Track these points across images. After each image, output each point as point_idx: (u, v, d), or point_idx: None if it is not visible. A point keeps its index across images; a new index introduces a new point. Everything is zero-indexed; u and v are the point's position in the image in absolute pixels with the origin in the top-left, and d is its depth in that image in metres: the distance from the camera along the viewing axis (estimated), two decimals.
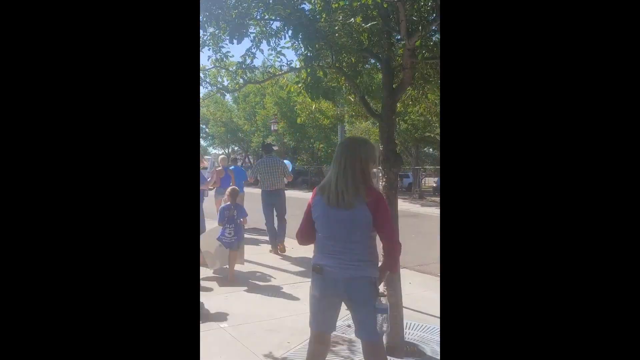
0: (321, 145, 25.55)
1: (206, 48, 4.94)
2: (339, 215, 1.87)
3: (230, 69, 5.23)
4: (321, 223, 1.93)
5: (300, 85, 3.11)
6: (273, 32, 4.66)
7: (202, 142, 34.23)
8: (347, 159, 1.89)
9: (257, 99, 26.58)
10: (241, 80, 4.83)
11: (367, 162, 1.91)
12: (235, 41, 3.74)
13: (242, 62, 4.93)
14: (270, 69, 5.16)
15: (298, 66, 3.95)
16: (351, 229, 1.87)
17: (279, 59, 5.59)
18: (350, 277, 1.86)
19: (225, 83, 5.23)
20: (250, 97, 26.93)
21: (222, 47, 4.67)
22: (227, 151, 32.82)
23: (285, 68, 5.78)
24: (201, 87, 5.26)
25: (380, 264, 1.96)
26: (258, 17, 4.55)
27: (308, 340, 2.10)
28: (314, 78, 2.95)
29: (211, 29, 3.87)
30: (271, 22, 4.77)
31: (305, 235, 2.03)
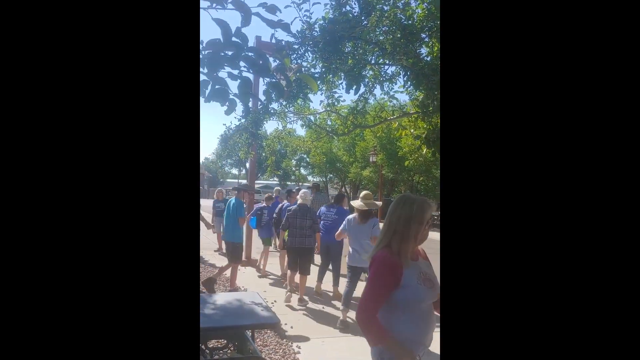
0: (421, 179, 24.79)
1: (319, 92, 5.04)
2: None
3: (341, 112, 5.28)
4: None
5: (420, 140, 2.89)
6: (387, 77, 4.59)
7: (302, 170, 35.43)
8: (386, 217, 1.83)
9: (358, 130, 26.85)
10: (351, 125, 4.83)
11: (406, 221, 1.75)
12: (352, 91, 3.74)
13: (354, 107, 4.94)
14: (381, 114, 5.10)
15: (410, 110, 3.77)
16: None
17: (391, 103, 5.50)
18: None
19: (335, 126, 5.29)
20: (350, 126, 27.28)
21: (335, 92, 4.72)
22: (325, 179, 33.50)
23: (394, 107, 5.67)
24: (310, 130, 5.36)
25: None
26: (373, 62, 4.50)
27: None
28: (435, 132, 2.73)
29: (329, 75, 3.91)
30: (386, 66, 4.70)
31: None
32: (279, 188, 10.24)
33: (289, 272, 5.62)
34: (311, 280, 5.85)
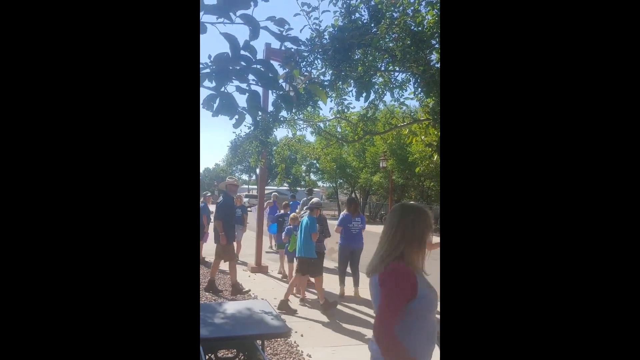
0: (432, 184, 24.66)
1: (329, 100, 5.04)
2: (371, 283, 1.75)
3: (351, 119, 5.27)
4: None
5: (432, 148, 2.86)
6: (397, 84, 4.57)
7: (312, 176, 35.46)
8: (388, 226, 1.74)
9: (368, 136, 26.78)
10: (361, 132, 4.82)
11: (416, 229, 1.70)
12: (361, 98, 3.72)
13: (364, 114, 4.92)
14: (391, 120, 5.08)
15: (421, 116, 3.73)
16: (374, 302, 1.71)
17: (401, 109, 5.48)
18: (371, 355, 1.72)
19: (345, 133, 5.28)
20: (360, 133, 27.25)
21: (345, 99, 4.71)
22: (334, 185, 33.51)
23: (404, 114, 5.65)
24: (320, 137, 5.39)
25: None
26: (382, 69, 4.48)
27: None
28: None
29: (339, 83, 3.90)
30: (396, 73, 4.68)
31: None
32: (276, 194, 10.57)
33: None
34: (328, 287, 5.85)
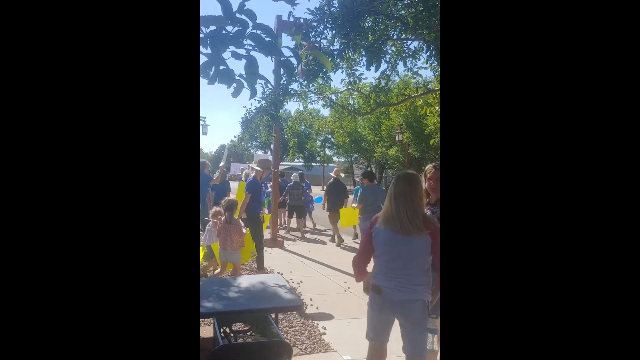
0: None
1: (339, 71, 4.92)
2: (402, 241, 2.10)
3: (363, 91, 5.14)
4: (383, 248, 2.18)
5: None
6: (410, 53, 4.41)
7: (327, 150, 35.30)
8: (412, 192, 2.14)
9: (383, 109, 26.47)
10: (374, 104, 4.71)
11: (422, 195, 2.22)
12: (372, 67, 3.60)
13: (376, 85, 4.80)
14: (405, 91, 4.94)
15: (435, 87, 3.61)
16: (412, 255, 2.10)
17: (414, 79, 5.32)
18: (407, 299, 2.09)
19: (358, 105, 5.19)
20: (373, 105, 26.94)
21: (356, 70, 4.59)
22: (350, 159, 33.37)
23: (418, 84, 5.50)
24: (332, 109, 5.33)
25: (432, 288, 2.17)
26: (395, 37, 4.33)
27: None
28: None
29: (349, 52, 3.78)
30: (408, 42, 4.52)
31: (363, 260, 2.31)
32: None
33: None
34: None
